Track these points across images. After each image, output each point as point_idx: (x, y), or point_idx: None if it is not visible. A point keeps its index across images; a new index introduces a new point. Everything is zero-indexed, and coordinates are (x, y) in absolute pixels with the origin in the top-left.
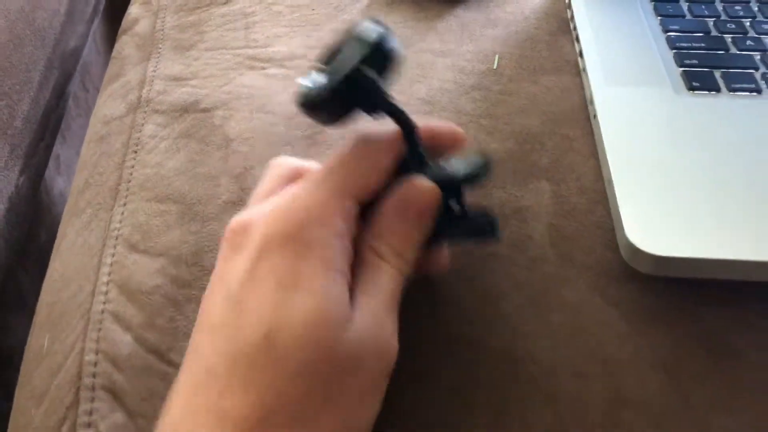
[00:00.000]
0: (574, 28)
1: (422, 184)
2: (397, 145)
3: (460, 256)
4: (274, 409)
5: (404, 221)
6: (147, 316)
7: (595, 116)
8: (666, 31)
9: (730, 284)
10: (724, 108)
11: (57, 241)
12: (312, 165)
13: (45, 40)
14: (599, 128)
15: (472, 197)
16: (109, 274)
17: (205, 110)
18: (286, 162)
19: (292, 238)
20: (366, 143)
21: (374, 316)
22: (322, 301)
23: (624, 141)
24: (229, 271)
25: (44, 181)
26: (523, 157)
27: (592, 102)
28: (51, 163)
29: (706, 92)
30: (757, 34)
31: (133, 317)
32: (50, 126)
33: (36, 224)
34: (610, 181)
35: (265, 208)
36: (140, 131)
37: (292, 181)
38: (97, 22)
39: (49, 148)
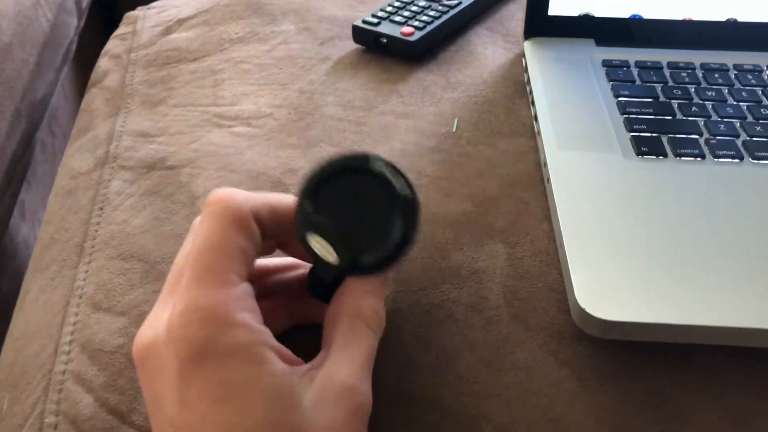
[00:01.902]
0: (530, 92)
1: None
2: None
3: (418, 317)
4: None
5: (381, 282)
6: (109, 376)
7: (548, 180)
8: (617, 96)
9: (677, 346)
10: (671, 173)
11: (20, 297)
12: (262, 197)
13: (13, 90)
14: (552, 192)
15: (429, 257)
16: (72, 333)
17: (171, 167)
18: (232, 205)
19: (206, 354)
20: (243, 218)
21: (344, 382)
22: (268, 401)
23: (575, 205)
24: (160, 398)
25: (8, 228)
26: (479, 219)
27: (545, 165)
28: (15, 210)
29: (654, 157)
30: (701, 100)
31: (94, 377)
32: (16, 175)
33: None
34: (562, 245)
35: (161, 324)
36: (107, 187)
37: (242, 231)
38: (66, 68)
39: (15, 196)
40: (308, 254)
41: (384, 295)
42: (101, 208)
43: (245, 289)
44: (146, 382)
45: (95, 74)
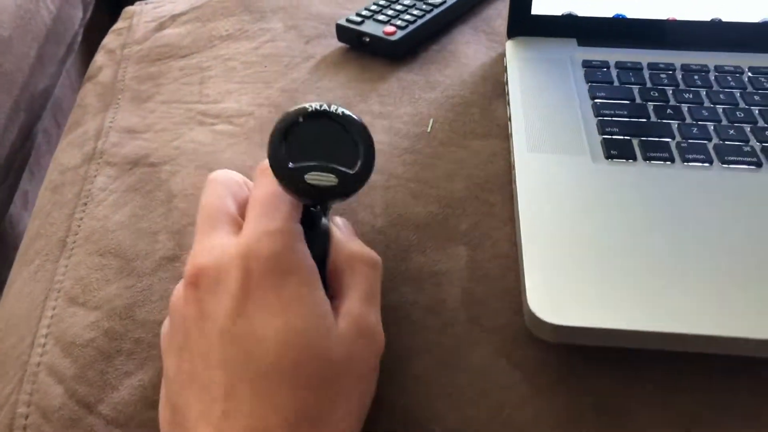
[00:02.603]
0: (508, 92)
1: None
2: None
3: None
4: (297, 422)
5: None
6: (79, 368)
7: (515, 182)
8: (593, 97)
9: (629, 351)
10: (639, 177)
11: (6, 288)
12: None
13: (12, 83)
14: (516, 194)
15: (391, 260)
16: (49, 326)
17: (153, 165)
18: (229, 177)
19: (271, 267)
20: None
21: (353, 314)
22: (312, 319)
23: (537, 208)
24: (213, 311)
25: (9, 217)
26: (444, 221)
27: (514, 167)
28: (18, 200)
29: (623, 160)
30: (677, 102)
31: (66, 369)
32: (14, 167)
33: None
34: (520, 249)
35: (229, 251)
36: (92, 183)
37: (237, 196)
38: (71, 59)
39: (13, 187)
40: (304, 195)
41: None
42: (85, 204)
43: (299, 227)
44: (197, 300)
45: (91, 69)
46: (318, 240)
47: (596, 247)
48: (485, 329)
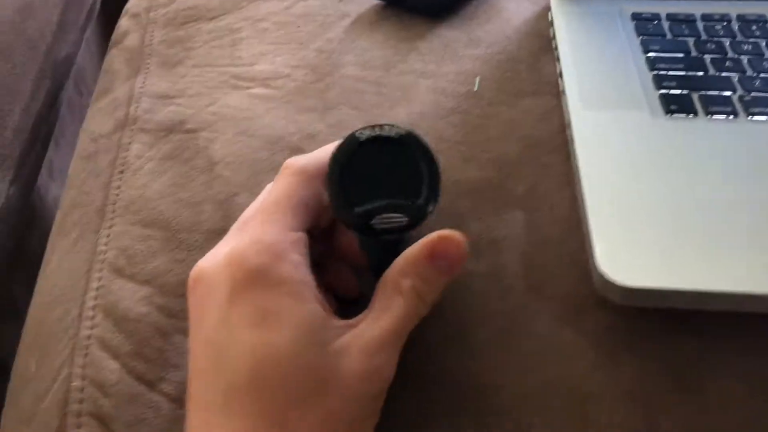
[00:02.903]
0: (555, 48)
1: (461, 241)
2: None
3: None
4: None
5: (436, 269)
6: (134, 344)
7: (572, 141)
8: (646, 51)
9: (699, 313)
10: (701, 132)
11: (44, 260)
12: (322, 155)
13: (36, 50)
14: (575, 154)
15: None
16: (96, 298)
17: (190, 131)
18: (298, 167)
19: (257, 279)
20: (297, 180)
21: (368, 343)
22: (296, 331)
23: (599, 167)
24: (204, 318)
25: (37, 188)
26: (499, 185)
27: (569, 126)
28: (44, 170)
29: (684, 116)
30: (736, 54)
31: (120, 345)
32: (41, 135)
33: (29, 232)
34: (584, 209)
35: (221, 254)
36: (127, 150)
37: (306, 187)
38: (90, 27)
39: (40, 157)
40: (370, 240)
41: (436, 279)
42: (121, 172)
43: (301, 237)
44: (194, 304)
45: (116, 34)
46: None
47: (663, 207)
48: (548, 296)
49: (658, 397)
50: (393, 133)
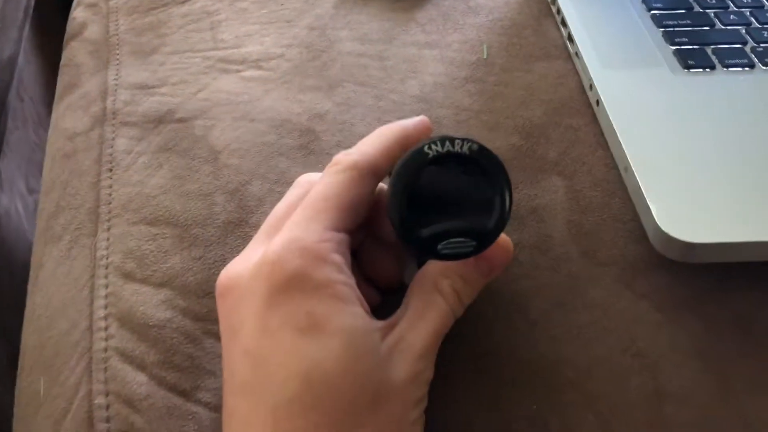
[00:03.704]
0: (558, 12)
1: (508, 245)
2: (378, 175)
3: None
4: None
5: (477, 269)
6: (162, 353)
7: (598, 103)
8: (650, 8)
9: (758, 265)
10: (724, 85)
11: (33, 273)
12: (371, 150)
13: None
14: (606, 115)
15: None
16: (106, 307)
17: (181, 120)
18: (312, 180)
19: (297, 283)
20: (351, 176)
21: (413, 347)
22: (347, 338)
23: (635, 126)
24: (239, 326)
25: None
26: (530, 152)
27: (592, 88)
28: None
29: (702, 70)
30: (737, 8)
31: (144, 355)
32: None
33: None
34: (629, 170)
35: (253, 257)
36: (111, 146)
37: (355, 186)
38: (27, 27)
39: None
40: (436, 259)
41: (477, 281)
42: (110, 169)
43: (344, 238)
44: (225, 312)
45: (72, 27)
46: None
47: (708, 160)
48: (601, 261)
49: (726, 350)
50: (465, 149)
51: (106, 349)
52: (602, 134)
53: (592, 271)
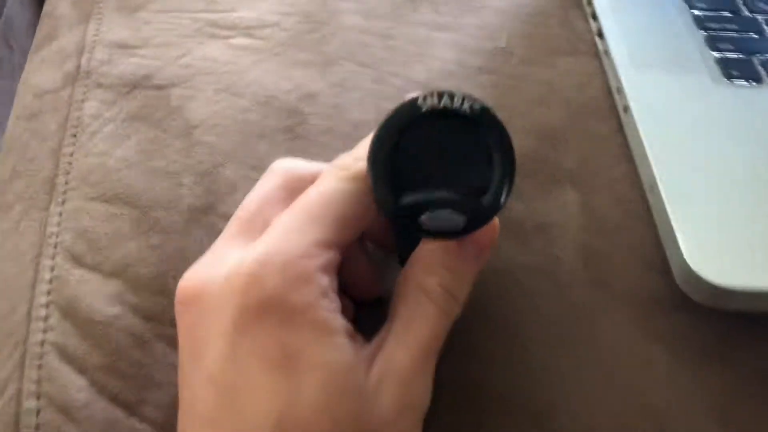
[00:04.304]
0: (589, 2)
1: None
2: None
3: (479, 286)
4: None
5: (463, 256)
6: (106, 355)
7: (626, 109)
8: (691, 7)
9: None
10: None
11: None
12: (321, 169)
13: None
14: (634, 124)
15: None
16: (48, 293)
17: (159, 87)
18: (290, 167)
19: (272, 306)
20: (359, 189)
21: (401, 371)
22: (326, 376)
23: (666, 140)
24: (203, 347)
25: None
26: (544, 158)
27: (620, 91)
28: None
29: (747, 82)
30: None
31: (86, 355)
32: None
33: None
34: (656, 190)
35: (225, 264)
36: (80, 109)
37: (296, 193)
38: None
39: None
40: (422, 237)
41: (467, 270)
42: (74, 135)
43: (334, 256)
44: (187, 326)
45: None
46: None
47: (749, 189)
48: (614, 293)
49: (750, 413)
50: (466, 107)
51: (42, 343)
52: (628, 145)
53: (602, 304)
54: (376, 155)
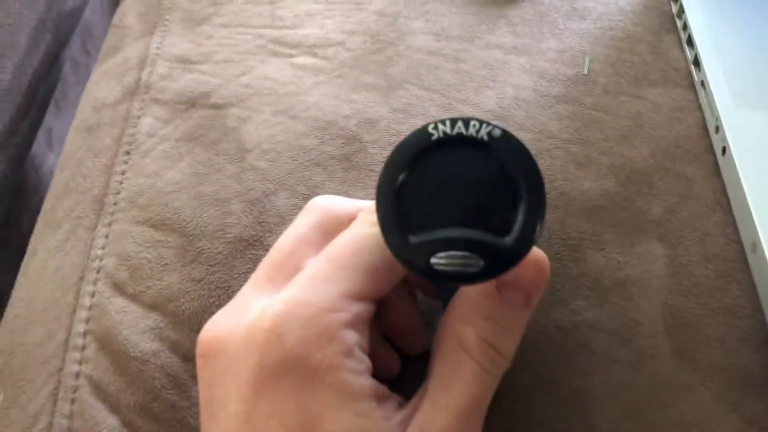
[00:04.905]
0: (684, 27)
1: (538, 255)
2: None
3: (539, 348)
4: None
5: (506, 304)
6: (141, 394)
7: (724, 150)
8: None
9: None
10: None
11: (26, 259)
12: (361, 209)
13: None
14: (733, 168)
15: (556, 260)
16: (87, 321)
17: (216, 106)
18: (328, 206)
19: (292, 365)
20: None
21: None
22: None
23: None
24: (221, 404)
25: (33, 158)
26: (627, 204)
27: (718, 130)
28: (42, 137)
29: None
30: None
31: (120, 393)
32: (38, 98)
33: (18, 208)
34: (758, 249)
35: (247, 316)
36: (136, 126)
37: (331, 235)
38: None
39: (36, 123)
40: (435, 281)
41: (512, 320)
42: (128, 152)
43: (365, 309)
44: (207, 380)
45: None
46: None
47: None
48: (701, 366)
49: None
50: (483, 133)
51: (78, 375)
52: (725, 193)
53: (686, 378)
54: (383, 190)
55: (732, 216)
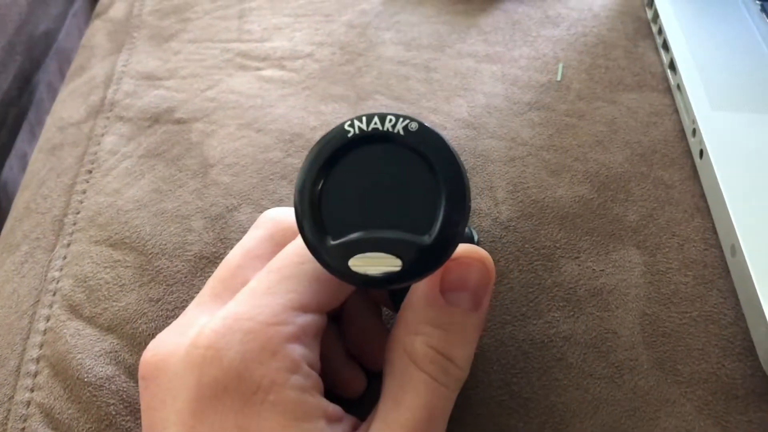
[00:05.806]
0: (660, 32)
1: (479, 254)
2: None
3: (511, 362)
4: None
5: (456, 309)
6: (92, 421)
7: (701, 154)
8: None
9: None
10: None
11: None
12: None
13: (5, 20)
14: (711, 172)
15: (529, 269)
16: (41, 346)
17: (180, 121)
18: (279, 218)
19: (231, 384)
20: None
21: None
22: None
23: (750, 192)
24: (161, 426)
25: (5, 184)
26: (602, 210)
27: (695, 133)
28: (15, 162)
29: None
30: None
31: (73, 421)
32: (9, 121)
33: None
34: (738, 252)
35: (188, 338)
36: (98, 144)
37: (282, 248)
38: (79, 2)
39: (7, 146)
40: (353, 284)
41: (462, 325)
42: (89, 171)
43: (313, 320)
44: (147, 405)
45: (100, 4)
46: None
47: None
48: (682, 378)
49: None
50: (399, 128)
51: (29, 403)
52: (703, 197)
53: (667, 391)
54: (300, 192)
55: (711, 220)
